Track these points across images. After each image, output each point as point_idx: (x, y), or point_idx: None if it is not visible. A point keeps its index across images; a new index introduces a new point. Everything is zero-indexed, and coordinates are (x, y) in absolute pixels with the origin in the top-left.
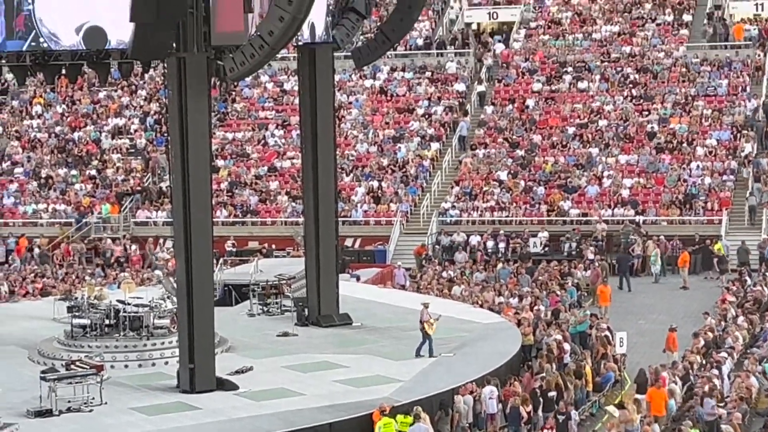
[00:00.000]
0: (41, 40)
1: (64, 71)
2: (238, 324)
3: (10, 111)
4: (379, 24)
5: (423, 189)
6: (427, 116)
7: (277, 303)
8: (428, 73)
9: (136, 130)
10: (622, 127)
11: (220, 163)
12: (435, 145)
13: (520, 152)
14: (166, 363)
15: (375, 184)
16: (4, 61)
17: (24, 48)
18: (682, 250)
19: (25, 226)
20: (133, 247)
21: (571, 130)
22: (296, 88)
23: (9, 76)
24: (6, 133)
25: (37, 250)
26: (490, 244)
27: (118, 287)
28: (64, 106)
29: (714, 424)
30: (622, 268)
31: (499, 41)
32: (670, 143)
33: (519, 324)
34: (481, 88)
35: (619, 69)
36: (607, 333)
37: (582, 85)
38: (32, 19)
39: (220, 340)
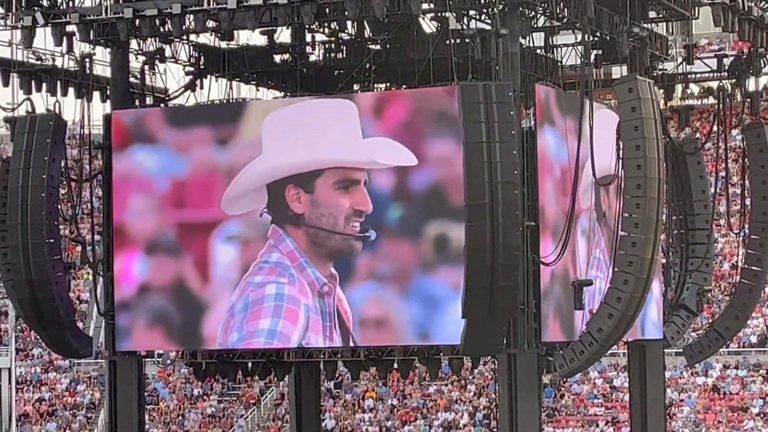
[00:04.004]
0: None
1: (396, 366)
2: None
3: (343, 404)
4: (711, 321)
5: None
6: (762, 415)
7: None
8: (762, 371)
9: (465, 425)
10: None
11: None
12: None
13: None
14: None
15: None
16: (339, 356)
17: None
18: None
19: None
20: None
21: None
22: (626, 384)
23: (344, 370)
24: (339, 427)
25: None
26: None
27: None
28: (395, 400)
29: None
30: None
31: None
32: None
33: None
34: None
35: None
36: None
37: None
38: None
39: None
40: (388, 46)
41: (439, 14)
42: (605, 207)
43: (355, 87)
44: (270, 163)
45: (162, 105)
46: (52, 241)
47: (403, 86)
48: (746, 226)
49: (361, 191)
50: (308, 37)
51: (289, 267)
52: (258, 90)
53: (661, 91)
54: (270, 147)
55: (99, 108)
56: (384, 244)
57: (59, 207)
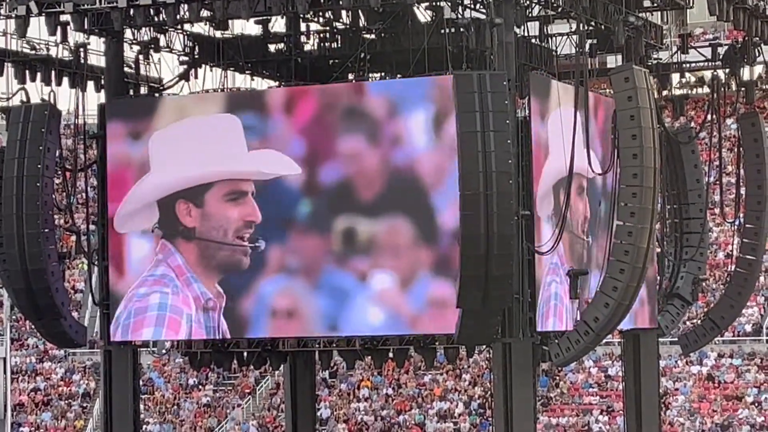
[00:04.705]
0: None
1: (391, 355)
2: None
3: (338, 394)
4: (706, 310)
5: None
6: (756, 404)
7: None
8: (757, 360)
9: (460, 414)
10: None
11: None
12: None
13: None
14: None
15: None
16: (334, 345)
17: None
18: None
19: None
20: None
21: None
22: (621, 373)
23: (339, 360)
24: (334, 416)
25: None
26: None
27: None
28: (390, 389)
29: None
30: None
31: None
32: None
33: None
34: None
35: None
36: None
37: None
38: None
39: None
40: (382, 35)
41: (434, 3)
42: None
43: (350, 76)
44: (159, 179)
45: (156, 95)
46: (47, 230)
47: (398, 75)
48: (741, 215)
49: (250, 202)
50: (303, 27)
51: (174, 279)
52: (253, 79)
53: (655, 80)
54: (158, 164)
55: (93, 98)
56: (294, 238)
57: (54, 197)
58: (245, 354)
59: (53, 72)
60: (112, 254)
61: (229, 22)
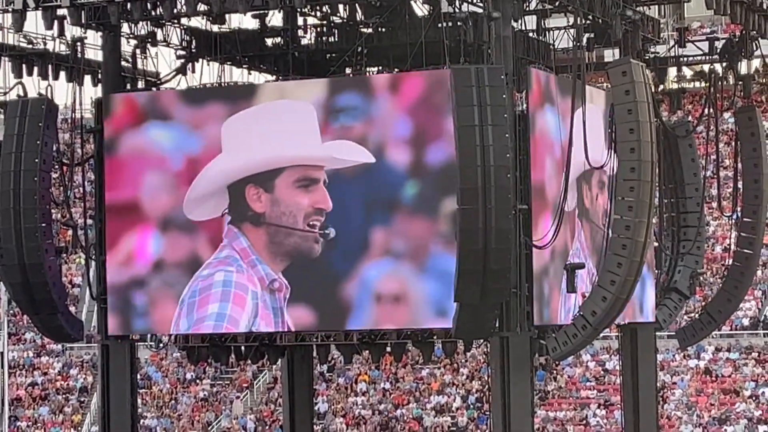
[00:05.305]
0: None
1: (389, 349)
2: None
3: (336, 388)
4: (703, 303)
5: None
6: (753, 398)
7: None
8: (754, 354)
9: (458, 408)
10: None
11: None
12: (762, 428)
13: None
14: None
15: None
16: (332, 340)
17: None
18: None
19: None
20: None
21: None
22: (618, 367)
23: (336, 354)
24: (332, 410)
25: None
26: None
27: None
28: (388, 383)
29: None
30: None
31: None
32: None
33: None
34: None
35: None
36: None
37: None
38: None
39: None
40: (380, 29)
41: None
42: (588, 202)
43: (347, 71)
44: (229, 163)
45: (153, 89)
46: (44, 225)
47: (395, 70)
48: (738, 209)
49: (321, 190)
50: (300, 21)
51: (238, 260)
52: (250, 74)
53: (653, 74)
54: (229, 148)
55: (90, 92)
56: (399, 220)
57: (51, 191)
58: (243, 348)
59: (50, 66)
60: (211, 236)
61: (226, 16)
